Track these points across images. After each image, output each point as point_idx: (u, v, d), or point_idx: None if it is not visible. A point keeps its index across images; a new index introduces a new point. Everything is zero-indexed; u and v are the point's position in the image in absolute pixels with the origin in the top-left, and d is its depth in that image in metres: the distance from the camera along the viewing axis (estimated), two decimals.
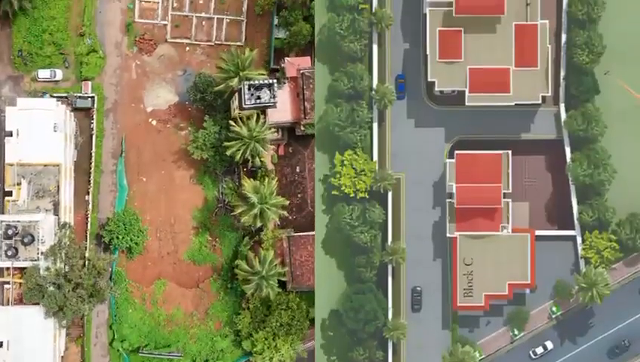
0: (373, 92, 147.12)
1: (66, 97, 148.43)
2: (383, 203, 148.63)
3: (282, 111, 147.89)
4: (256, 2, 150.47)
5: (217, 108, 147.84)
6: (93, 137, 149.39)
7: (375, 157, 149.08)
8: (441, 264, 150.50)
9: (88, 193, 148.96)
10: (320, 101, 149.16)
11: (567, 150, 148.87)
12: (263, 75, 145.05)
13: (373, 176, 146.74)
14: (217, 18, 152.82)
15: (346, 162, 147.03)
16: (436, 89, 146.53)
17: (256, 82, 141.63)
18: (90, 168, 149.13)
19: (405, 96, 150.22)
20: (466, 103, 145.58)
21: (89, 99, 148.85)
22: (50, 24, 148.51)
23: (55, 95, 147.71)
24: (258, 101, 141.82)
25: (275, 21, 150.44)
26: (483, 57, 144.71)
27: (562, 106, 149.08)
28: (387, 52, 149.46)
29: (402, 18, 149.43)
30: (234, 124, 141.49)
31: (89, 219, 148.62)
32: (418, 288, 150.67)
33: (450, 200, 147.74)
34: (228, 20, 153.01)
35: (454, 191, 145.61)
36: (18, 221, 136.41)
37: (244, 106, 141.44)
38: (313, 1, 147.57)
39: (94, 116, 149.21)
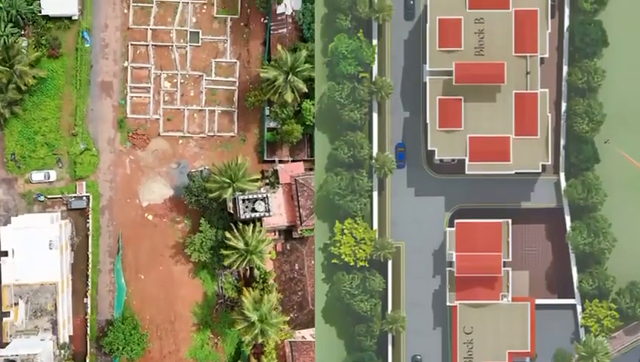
0: (373, 160, 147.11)
1: (60, 198, 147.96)
2: (383, 271, 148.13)
3: (278, 215, 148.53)
4: (246, 98, 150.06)
5: (213, 211, 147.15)
6: (90, 237, 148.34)
7: (375, 226, 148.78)
8: (441, 332, 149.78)
9: (86, 295, 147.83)
10: (320, 169, 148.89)
11: (568, 218, 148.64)
12: (257, 182, 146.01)
13: (374, 245, 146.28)
14: (209, 110, 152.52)
15: (346, 231, 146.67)
16: (436, 157, 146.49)
17: (251, 196, 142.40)
18: (88, 268, 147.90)
19: (405, 165, 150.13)
20: (466, 172, 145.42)
21: (84, 199, 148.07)
22: (42, 125, 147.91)
23: (50, 196, 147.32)
24: (253, 213, 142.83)
25: (267, 112, 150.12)
26: (483, 126, 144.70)
27: (562, 175, 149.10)
28: (387, 120, 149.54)
29: (402, 86, 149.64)
30: (230, 236, 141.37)
31: (88, 323, 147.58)
32: (418, 357, 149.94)
33: (450, 268, 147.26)
34: (219, 111, 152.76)
35: (454, 259, 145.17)
36: (16, 355, 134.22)
37: (240, 218, 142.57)
38: (304, 102, 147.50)
39: (90, 215, 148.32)
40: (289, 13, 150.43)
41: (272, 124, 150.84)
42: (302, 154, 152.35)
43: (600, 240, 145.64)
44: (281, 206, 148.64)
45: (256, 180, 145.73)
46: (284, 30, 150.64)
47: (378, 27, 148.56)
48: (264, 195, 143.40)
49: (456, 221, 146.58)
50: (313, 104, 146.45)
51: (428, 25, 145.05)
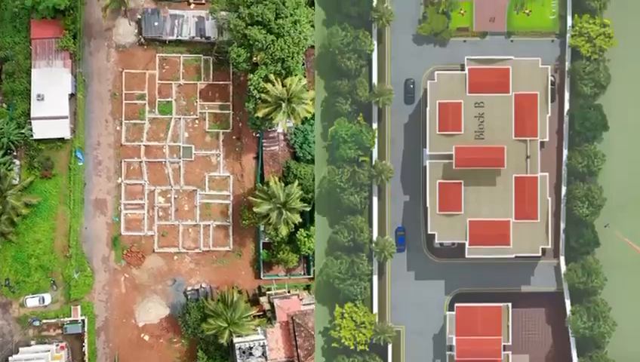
0: (373, 244, 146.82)
1: (56, 322, 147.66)
2: (383, 355, 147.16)
3: (275, 349, 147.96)
4: (241, 217, 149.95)
5: (210, 341, 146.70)
6: (87, 361, 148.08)
7: (375, 310, 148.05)
8: None
9: None
10: (320, 253, 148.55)
11: (567, 302, 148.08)
12: (254, 320, 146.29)
13: (374, 329, 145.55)
14: (204, 225, 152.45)
15: (346, 314, 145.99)
16: (436, 241, 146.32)
17: (248, 345, 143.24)
18: None
19: (405, 249, 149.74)
20: (466, 256, 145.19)
21: (79, 323, 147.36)
22: (35, 248, 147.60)
23: (45, 321, 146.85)
24: (250, 358, 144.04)
25: (262, 227, 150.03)
26: (483, 209, 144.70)
27: (562, 259, 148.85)
28: (387, 204, 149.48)
29: (402, 170, 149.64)
30: None
31: None
32: None
33: (450, 352, 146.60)
34: (214, 226, 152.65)
35: (454, 343, 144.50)
36: None
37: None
38: (298, 232, 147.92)
39: (85, 339, 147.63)
40: (280, 131, 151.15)
41: (268, 240, 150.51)
42: (299, 269, 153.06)
43: (600, 324, 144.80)
44: (278, 341, 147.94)
45: (254, 318, 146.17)
46: (277, 148, 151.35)
47: (378, 111, 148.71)
48: (262, 342, 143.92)
49: (456, 305, 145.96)
50: (308, 235, 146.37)
51: (428, 109, 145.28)
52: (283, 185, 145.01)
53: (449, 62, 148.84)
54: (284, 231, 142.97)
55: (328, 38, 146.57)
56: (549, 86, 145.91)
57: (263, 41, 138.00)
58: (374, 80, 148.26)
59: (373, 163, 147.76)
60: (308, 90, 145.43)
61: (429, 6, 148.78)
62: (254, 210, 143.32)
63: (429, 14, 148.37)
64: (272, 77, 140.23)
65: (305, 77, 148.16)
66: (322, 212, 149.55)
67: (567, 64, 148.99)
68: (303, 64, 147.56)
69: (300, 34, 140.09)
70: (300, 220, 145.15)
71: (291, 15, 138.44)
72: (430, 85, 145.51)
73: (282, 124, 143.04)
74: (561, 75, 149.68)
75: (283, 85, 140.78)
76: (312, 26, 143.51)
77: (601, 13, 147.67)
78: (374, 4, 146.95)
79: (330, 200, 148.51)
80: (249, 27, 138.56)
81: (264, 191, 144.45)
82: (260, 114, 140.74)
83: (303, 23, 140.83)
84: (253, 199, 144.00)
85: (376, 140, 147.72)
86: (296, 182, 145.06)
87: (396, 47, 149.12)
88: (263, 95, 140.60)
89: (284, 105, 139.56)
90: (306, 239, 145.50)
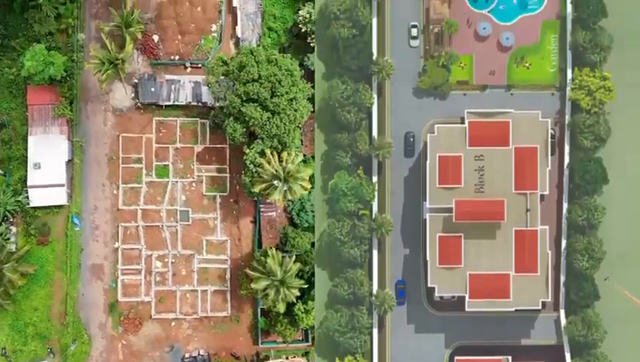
0: (374, 298, 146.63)
1: None
2: None
3: None
4: (240, 286, 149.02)
5: None
6: None
7: None
8: None
9: None
10: (320, 306, 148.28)
11: (568, 356, 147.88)
12: None
13: None
14: (201, 290, 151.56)
15: None
16: (436, 294, 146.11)
17: None
18: None
19: (405, 302, 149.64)
20: (466, 309, 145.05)
21: None
22: (32, 316, 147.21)
23: None
24: None
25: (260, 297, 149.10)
26: (483, 263, 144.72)
27: (562, 312, 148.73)
28: (387, 257, 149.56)
29: (402, 223, 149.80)
30: None
31: None
32: None
33: None
34: (212, 291, 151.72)
35: None
36: None
37: None
38: (297, 305, 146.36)
39: None
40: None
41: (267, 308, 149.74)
42: (297, 335, 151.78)
43: None
44: None
45: None
46: (274, 213, 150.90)
47: (378, 164, 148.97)
48: None
49: (456, 358, 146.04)
50: (306, 309, 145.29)
51: (428, 162, 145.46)
52: (280, 256, 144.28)
53: (449, 115, 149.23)
54: (281, 308, 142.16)
55: (328, 92, 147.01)
56: (549, 139, 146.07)
57: (259, 119, 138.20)
58: (374, 133, 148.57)
59: (373, 216, 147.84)
60: (305, 159, 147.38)
61: (429, 59, 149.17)
62: (252, 286, 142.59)
63: (429, 67, 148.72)
64: (268, 152, 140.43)
65: (302, 143, 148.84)
66: (322, 265, 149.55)
67: (567, 117, 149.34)
68: (300, 128, 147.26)
69: (295, 111, 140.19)
70: (298, 294, 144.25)
71: (287, 93, 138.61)
72: (430, 138, 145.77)
73: (279, 200, 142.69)
74: (561, 128, 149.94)
75: (280, 159, 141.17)
76: (309, 99, 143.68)
77: (601, 67, 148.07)
78: (374, 57, 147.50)
79: (330, 253, 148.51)
80: (245, 104, 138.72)
81: (262, 263, 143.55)
82: (256, 189, 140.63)
83: (299, 100, 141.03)
84: (251, 273, 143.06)
85: (376, 193, 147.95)
86: (294, 257, 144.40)
87: (396, 100, 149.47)
88: (259, 170, 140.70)
89: (280, 184, 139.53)
90: (304, 315, 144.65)
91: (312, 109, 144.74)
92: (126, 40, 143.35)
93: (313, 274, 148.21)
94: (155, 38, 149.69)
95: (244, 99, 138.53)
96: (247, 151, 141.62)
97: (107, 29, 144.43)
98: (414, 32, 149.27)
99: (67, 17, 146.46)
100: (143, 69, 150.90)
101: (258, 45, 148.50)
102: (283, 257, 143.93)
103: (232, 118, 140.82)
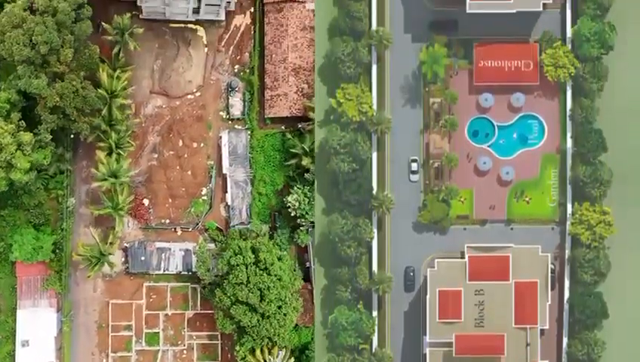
0: None
1: None
2: None
3: None
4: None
5: None
6: None
7: None
8: None
9: None
10: None
11: None
12: None
13: None
14: None
15: None
16: None
17: None
18: None
19: None
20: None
21: None
22: None
23: None
24: None
25: None
26: None
27: None
28: None
29: (402, 358, 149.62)
30: None
31: None
32: None
33: None
34: None
35: None
36: None
37: None
38: None
39: None
40: None
41: None
42: None
43: None
44: None
45: None
46: None
47: (378, 299, 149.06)
48: None
49: None
50: None
51: (428, 296, 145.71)
52: None
53: (449, 250, 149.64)
54: None
55: (328, 226, 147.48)
56: (549, 273, 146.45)
57: (249, 322, 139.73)
58: (374, 267, 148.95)
59: (374, 351, 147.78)
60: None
61: (429, 194, 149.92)
62: None
63: (429, 202, 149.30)
64: (257, 352, 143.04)
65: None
66: None
67: (567, 252, 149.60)
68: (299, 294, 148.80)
69: (285, 316, 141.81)
70: None
71: (276, 299, 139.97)
72: (430, 273, 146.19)
73: None
74: (561, 263, 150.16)
75: (270, 354, 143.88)
76: (297, 300, 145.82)
77: (601, 201, 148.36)
78: (374, 191, 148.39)
79: None
80: (234, 306, 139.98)
81: None
82: None
83: (288, 305, 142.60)
84: None
85: (376, 328, 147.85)
86: None
87: (396, 235, 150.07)
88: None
89: None
90: None
91: (306, 278, 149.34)
92: (116, 220, 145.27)
93: None
94: (146, 201, 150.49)
95: (234, 301, 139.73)
96: (238, 348, 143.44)
97: (97, 213, 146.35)
98: (414, 166, 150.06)
99: (57, 189, 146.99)
100: (133, 233, 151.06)
101: (249, 220, 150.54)
102: None
103: (221, 313, 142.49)
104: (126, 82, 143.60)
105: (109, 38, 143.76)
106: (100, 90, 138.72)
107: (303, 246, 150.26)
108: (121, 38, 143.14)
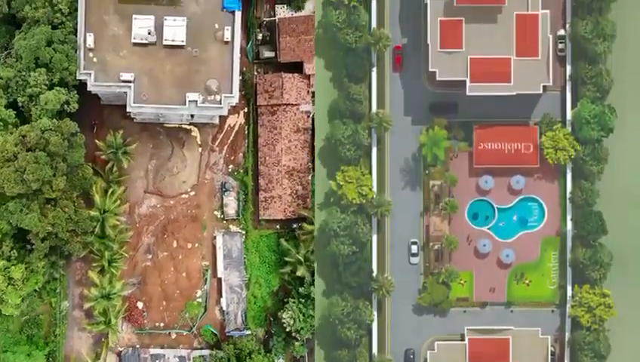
0: None
1: None
2: None
3: None
4: None
5: None
6: None
7: None
8: None
9: None
10: None
11: None
12: None
13: None
14: None
15: None
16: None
17: None
18: None
19: None
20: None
21: None
22: None
23: None
24: None
25: None
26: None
27: None
28: None
29: None
30: None
31: None
32: None
33: None
34: None
35: None
36: None
37: None
38: None
39: None
40: None
41: None
42: None
43: None
44: None
45: None
46: None
47: None
48: None
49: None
50: None
51: None
52: None
53: (449, 332, 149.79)
54: None
55: (329, 309, 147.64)
56: (550, 356, 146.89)
57: None
58: (374, 350, 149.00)
59: None
60: None
61: (429, 276, 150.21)
62: None
63: (429, 284, 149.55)
64: None
65: None
66: None
67: (567, 334, 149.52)
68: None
69: None
70: None
71: None
72: (430, 355, 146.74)
73: None
74: (561, 345, 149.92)
75: None
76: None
77: (601, 284, 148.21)
78: (374, 274, 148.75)
79: None
80: None
81: None
82: None
83: None
84: None
85: None
86: None
87: (396, 317, 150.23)
88: None
89: None
90: None
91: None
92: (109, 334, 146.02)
93: None
94: (140, 304, 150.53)
95: None
96: None
97: (89, 327, 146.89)
98: (414, 248, 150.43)
99: (49, 296, 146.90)
100: (127, 337, 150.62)
101: (244, 325, 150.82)
102: None
103: None
104: (119, 201, 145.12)
105: (103, 156, 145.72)
106: (92, 212, 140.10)
107: (298, 357, 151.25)
108: (115, 155, 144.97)
